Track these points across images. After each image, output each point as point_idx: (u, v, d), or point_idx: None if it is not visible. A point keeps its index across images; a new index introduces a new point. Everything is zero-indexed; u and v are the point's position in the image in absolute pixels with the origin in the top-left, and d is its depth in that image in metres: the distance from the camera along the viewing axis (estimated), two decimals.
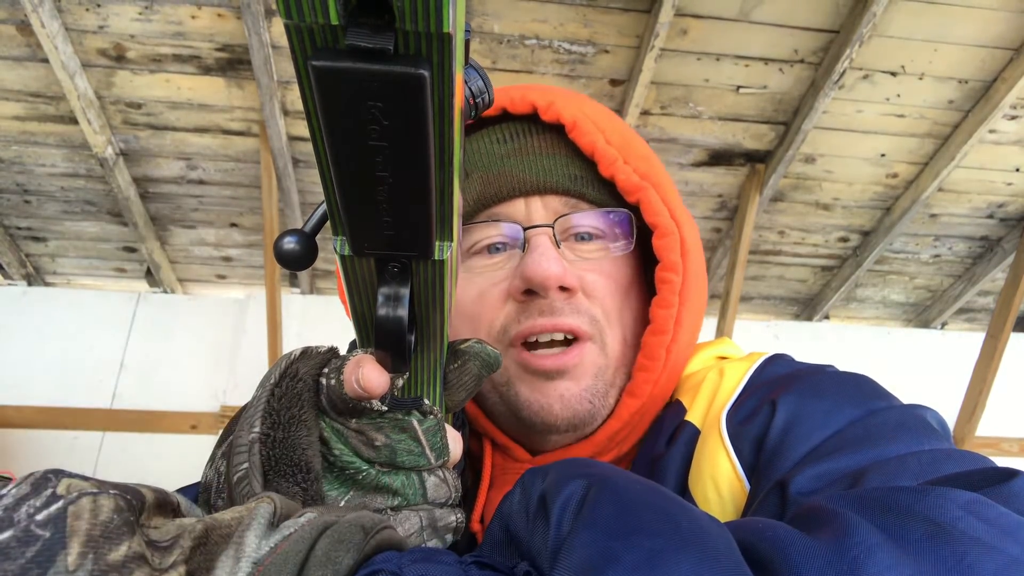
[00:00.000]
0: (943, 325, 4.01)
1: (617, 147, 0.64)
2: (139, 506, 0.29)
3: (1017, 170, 3.12)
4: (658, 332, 0.62)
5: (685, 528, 0.30)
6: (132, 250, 3.43)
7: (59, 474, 0.29)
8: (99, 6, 2.43)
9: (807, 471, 0.44)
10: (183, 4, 2.44)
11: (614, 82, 2.74)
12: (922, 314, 3.97)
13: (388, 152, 0.32)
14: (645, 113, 2.83)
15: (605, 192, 0.65)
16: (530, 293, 0.60)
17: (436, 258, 0.39)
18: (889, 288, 3.81)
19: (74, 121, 2.76)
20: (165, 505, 0.31)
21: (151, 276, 3.52)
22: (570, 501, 0.33)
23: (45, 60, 2.54)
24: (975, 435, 3.19)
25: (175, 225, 3.31)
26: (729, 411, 0.57)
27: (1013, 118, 2.88)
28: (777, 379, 0.58)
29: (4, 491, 0.27)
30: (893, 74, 2.72)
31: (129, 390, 3.37)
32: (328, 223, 0.41)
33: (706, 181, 3.15)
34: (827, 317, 3.95)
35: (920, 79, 2.73)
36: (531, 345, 0.62)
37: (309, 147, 2.65)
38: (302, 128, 2.82)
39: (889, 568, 0.30)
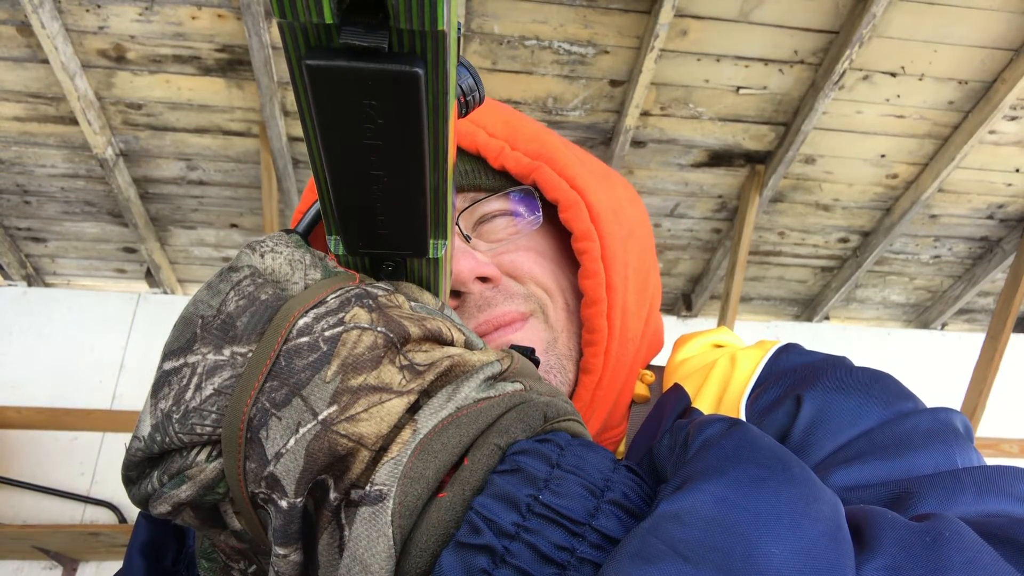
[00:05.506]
0: (943, 326, 4.00)
1: (502, 137, 0.63)
2: (400, 340, 0.36)
3: (1017, 171, 3.12)
4: (592, 303, 0.61)
5: (796, 473, 0.32)
6: (132, 251, 3.43)
7: (358, 299, 0.36)
8: (99, 7, 2.43)
9: (841, 472, 0.44)
10: (183, 5, 2.44)
11: (614, 83, 2.74)
12: (922, 315, 3.97)
13: (383, 151, 0.32)
14: (645, 114, 2.83)
15: (502, 179, 0.64)
16: (457, 295, 0.60)
17: (431, 256, 0.39)
18: (889, 289, 3.80)
19: (74, 122, 2.76)
20: (435, 338, 0.38)
21: (151, 277, 3.52)
22: (710, 438, 0.35)
23: (45, 61, 2.54)
24: (975, 436, 3.17)
25: (175, 226, 3.31)
26: (748, 399, 0.56)
27: (1013, 119, 2.88)
28: (797, 369, 0.57)
29: (328, 297, 0.36)
30: (893, 75, 2.72)
31: (129, 391, 3.36)
32: (322, 223, 0.41)
33: (706, 182, 3.15)
34: (827, 318, 3.95)
35: (920, 80, 2.73)
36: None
37: None
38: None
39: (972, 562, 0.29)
